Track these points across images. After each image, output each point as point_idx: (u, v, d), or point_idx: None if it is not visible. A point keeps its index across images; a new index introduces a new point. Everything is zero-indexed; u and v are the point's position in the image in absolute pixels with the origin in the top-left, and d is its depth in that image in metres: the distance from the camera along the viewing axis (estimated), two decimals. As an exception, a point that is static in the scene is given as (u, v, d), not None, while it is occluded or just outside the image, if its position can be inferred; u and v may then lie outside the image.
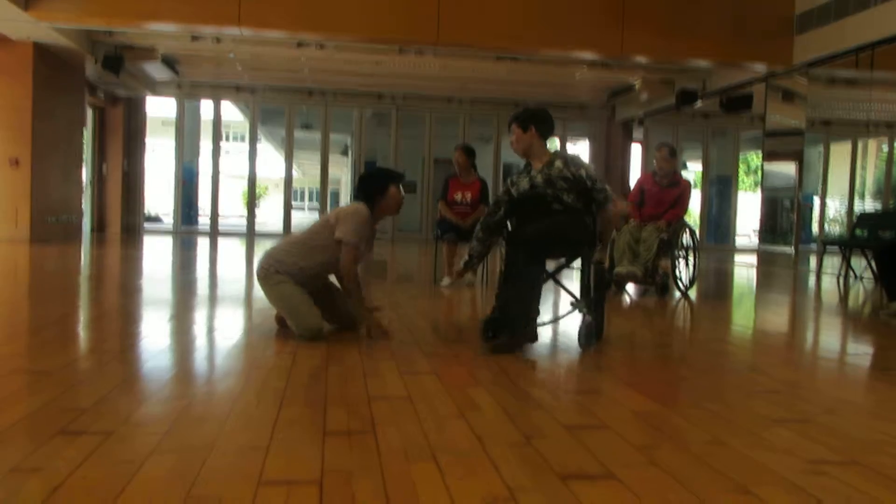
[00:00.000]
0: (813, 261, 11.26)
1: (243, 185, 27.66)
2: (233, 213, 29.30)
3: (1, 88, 10.83)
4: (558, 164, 4.10)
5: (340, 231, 3.78)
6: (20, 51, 10.75)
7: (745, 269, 11.53)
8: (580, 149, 20.45)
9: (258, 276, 3.87)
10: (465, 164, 7.11)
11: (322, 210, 17.79)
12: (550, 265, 4.15)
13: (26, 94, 10.87)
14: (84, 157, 13.61)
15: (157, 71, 13.44)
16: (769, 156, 12.36)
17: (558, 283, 4.24)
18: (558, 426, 2.33)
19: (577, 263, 4.11)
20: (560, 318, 4.09)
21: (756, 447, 2.17)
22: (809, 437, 2.29)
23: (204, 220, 18.16)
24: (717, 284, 8.77)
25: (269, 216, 27.72)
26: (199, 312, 4.87)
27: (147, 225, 17.34)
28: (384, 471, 1.86)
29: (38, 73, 10.98)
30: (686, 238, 6.81)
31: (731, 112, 13.39)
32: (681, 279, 6.70)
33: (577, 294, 4.06)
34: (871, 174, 11.58)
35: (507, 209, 4.20)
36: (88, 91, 13.60)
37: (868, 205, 10.96)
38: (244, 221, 17.96)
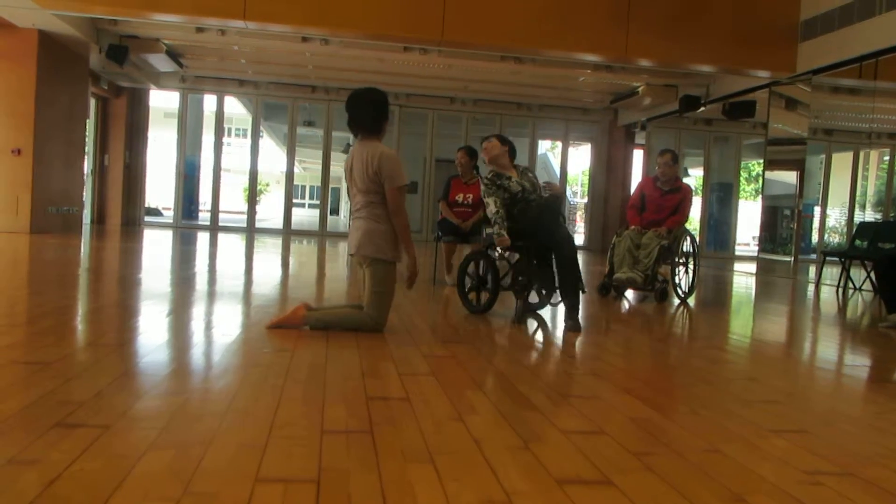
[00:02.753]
0: (812, 271, 11.26)
1: (244, 181, 27.65)
2: (233, 208, 29.27)
3: (4, 76, 10.83)
4: (530, 174, 5.15)
5: (396, 180, 3.96)
6: (25, 38, 10.74)
7: (744, 278, 11.53)
8: (582, 152, 20.46)
9: (357, 250, 3.98)
10: (468, 164, 7.12)
11: (323, 207, 17.79)
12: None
13: (30, 82, 10.86)
14: (86, 147, 13.60)
15: (161, 63, 13.43)
16: (770, 164, 12.38)
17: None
18: (556, 431, 2.33)
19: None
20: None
21: (752, 456, 2.18)
22: (806, 447, 2.29)
23: (204, 215, 18.16)
24: (716, 292, 8.77)
25: (270, 212, 27.73)
26: (197, 308, 4.87)
27: (147, 218, 17.33)
28: (381, 471, 1.86)
29: (43, 61, 10.97)
30: (686, 245, 6.80)
31: (734, 119, 13.41)
32: (680, 286, 6.70)
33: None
34: (872, 185, 11.58)
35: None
36: (92, 81, 13.59)
37: (868, 215, 10.96)
38: (245, 217, 17.96)
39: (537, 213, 4.91)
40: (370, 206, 4.01)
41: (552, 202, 5.01)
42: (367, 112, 4.08)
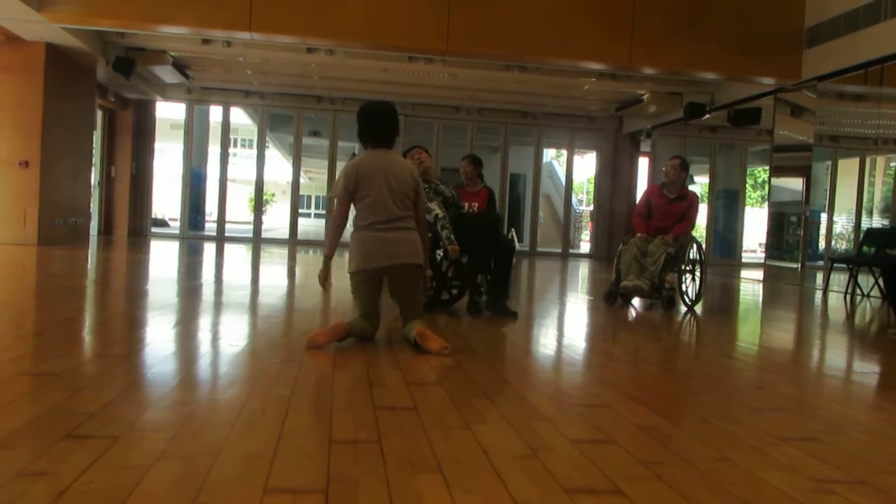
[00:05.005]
0: (819, 277, 11.22)
1: (250, 191, 27.73)
2: (239, 218, 29.35)
3: (12, 89, 10.88)
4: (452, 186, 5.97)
5: (424, 197, 4.23)
6: (32, 51, 10.80)
7: (751, 285, 11.49)
8: (587, 160, 20.47)
9: (414, 259, 4.01)
10: (473, 173, 7.12)
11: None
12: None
13: (37, 94, 10.91)
14: (93, 159, 13.66)
15: (167, 74, 13.51)
16: (776, 170, 12.35)
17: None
18: (564, 439, 2.32)
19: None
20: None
21: (762, 465, 2.16)
22: (816, 455, 2.28)
23: (211, 225, 18.21)
24: (723, 299, 8.75)
25: (276, 222, 27.80)
26: (204, 319, 4.88)
27: (154, 229, 17.38)
28: (390, 481, 1.85)
29: (50, 73, 11.02)
30: (693, 252, 6.78)
31: (739, 126, 13.38)
32: (687, 293, 6.69)
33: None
34: (878, 191, 11.55)
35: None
36: (99, 93, 13.66)
37: (876, 221, 10.92)
38: (251, 227, 18.00)
39: (477, 221, 5.77)
40: (409, 218, 4.06)
41: (491, 211, 6.10)
42: (393, 124, 4.16)
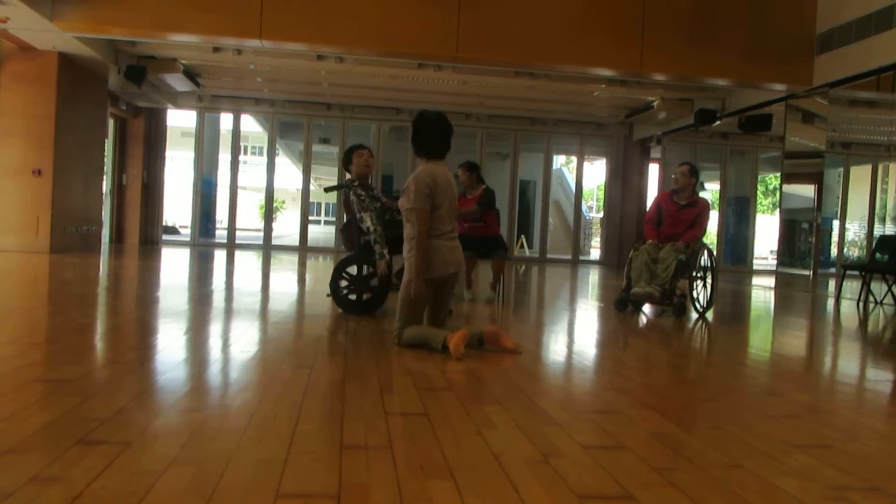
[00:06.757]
0: (832, 284, 11.15)
1: (261, 198, 27.84)
2: (250, 225, 29.43)
3: (25, 97, 10.97)
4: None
5: None
6: (45, 60, 10.88)
7: (762, 292, 11.43)
8: (597, 167, 20.44)
9: (463, 265, 4.31)
10: (468, 180, 7.20)
11: (339, 224, 17.88)
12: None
13: (50, 103, 10.99)
14: (104, 167, 13.74)
15: (178, 82, 13.59)
16: (788, 177, 12.29)
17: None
18: (576, 445, 2.31)
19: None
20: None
21: (776, 472, 2.15)
22: (830, 462, 2.26)
23: (221, 233, 18.28)
24: (734, 306, 8.70)
25: (286, 229, 27.90)
26: (215, 325, 4.89)
27: (165, 236, 17.46)
28: (401, 486, 1.85)
29: (62, 82, 11.10)
30: (704, 259, 6.76)
31: (750, 132, 13.33)
32: (698, 300, 6.66)
33: None
34: (891, 198, 11.47)
35: None
36: (110, 101, 13.75)
37: (889, 229, 10.85)
38: (261, 234, 18.05)
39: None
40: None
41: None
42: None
